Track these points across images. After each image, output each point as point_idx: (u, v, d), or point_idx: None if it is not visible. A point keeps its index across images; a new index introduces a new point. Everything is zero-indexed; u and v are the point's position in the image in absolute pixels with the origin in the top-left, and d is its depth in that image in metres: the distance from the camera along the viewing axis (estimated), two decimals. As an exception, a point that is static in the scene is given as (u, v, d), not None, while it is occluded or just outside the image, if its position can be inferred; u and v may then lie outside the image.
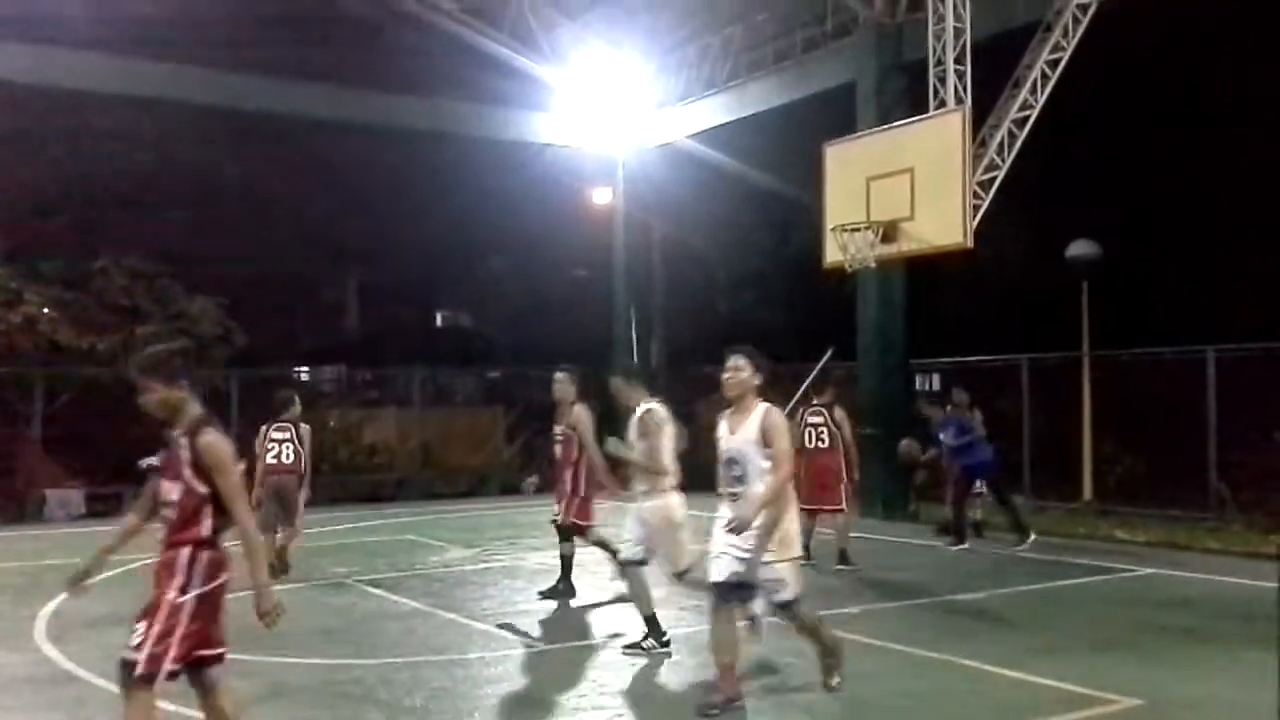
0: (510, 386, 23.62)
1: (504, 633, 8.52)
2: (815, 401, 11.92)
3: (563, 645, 8.10)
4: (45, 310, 18.79)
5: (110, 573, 10.55)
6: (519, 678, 7.15)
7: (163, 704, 6.44)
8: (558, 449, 9.67)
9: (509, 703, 6.54)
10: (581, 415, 9.44)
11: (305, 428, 10.95)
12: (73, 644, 8.09)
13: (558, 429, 9.68)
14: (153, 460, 16.36)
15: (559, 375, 9.69)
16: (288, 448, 10.71)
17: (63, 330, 18.62)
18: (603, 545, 9.51)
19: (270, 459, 10.68)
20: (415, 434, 21.02)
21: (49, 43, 17.34)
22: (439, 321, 33.86)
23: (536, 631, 8.59)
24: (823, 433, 11.48)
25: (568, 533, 9.64)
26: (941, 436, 13.39)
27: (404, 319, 30.42)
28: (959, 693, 6.70)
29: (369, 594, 10.34)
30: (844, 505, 11.53)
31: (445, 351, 27.33)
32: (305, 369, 25.71)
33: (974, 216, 12.93)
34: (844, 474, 11.50)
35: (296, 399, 11.23)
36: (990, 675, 7.04)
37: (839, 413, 11.71)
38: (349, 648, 8.06)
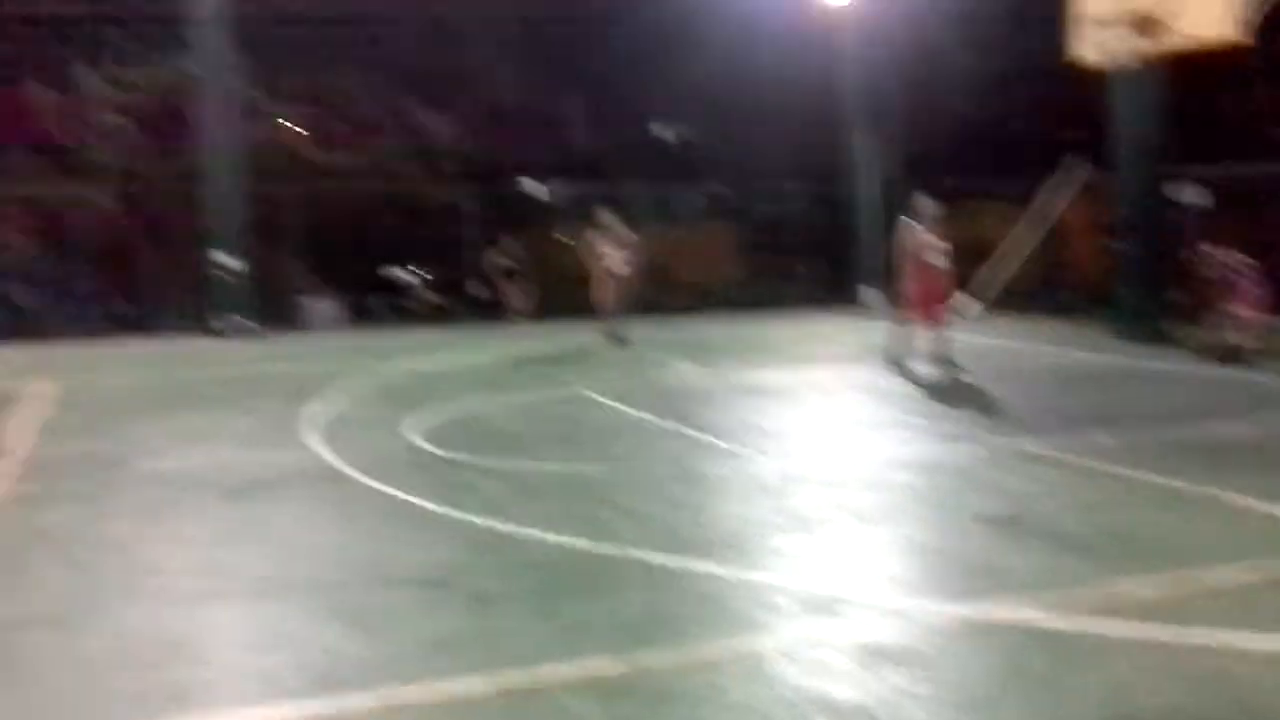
0: (737, 202, 23.32)
1: (736, 446, 8.60)
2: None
3: (797, 460, 8.11)
4: (293, 128, 19.68)
5: (370, 378, 11.08)
6: (753, 490, 7.22)
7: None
8: None
9: (743, 514, 6.62)
10: None
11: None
12: (340, 443, 8.69)
13: None
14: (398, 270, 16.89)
15: None
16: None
17: (309, 147, 19.49)
18: None
19: None
20: (644, 250, 21.10)
21: None
22: (658, 135, 33.47)
23: (770, 446, 8.63)
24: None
25: None
26: None
27: (625, 133, 30.21)
28: (1216, 527, 6.34)
29: (602, 404, 10.63)
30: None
31: (667, 167, 27.10)
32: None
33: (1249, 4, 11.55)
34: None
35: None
36: (1251, 510, 6.63)
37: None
38: (585, 452, 8.34)
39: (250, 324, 17.15)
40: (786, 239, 21.99)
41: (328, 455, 8.35)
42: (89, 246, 18.72)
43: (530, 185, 23.54)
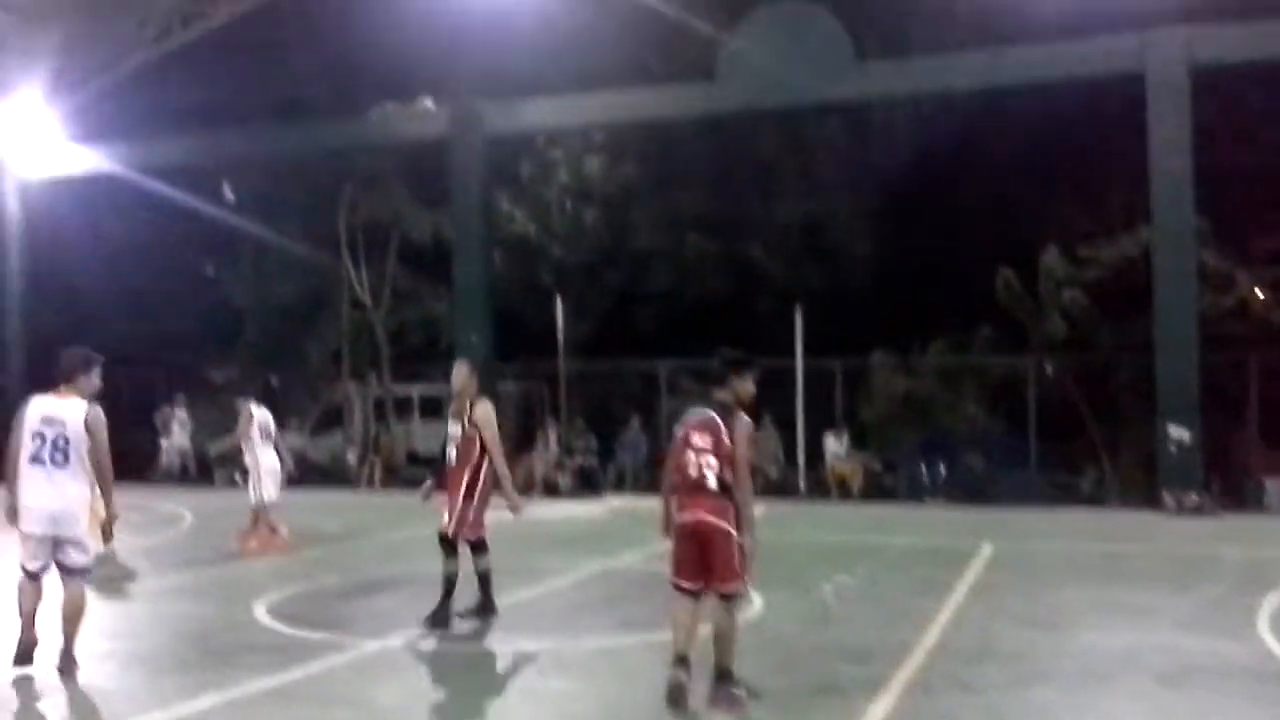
0: None
1: None
2: None
3: None
4: (1258, 292, 18.40)
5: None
6: None
7: None
8: (452, 450, 8.30)
9: None
10: (487, 412, 8.23)
11: None
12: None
13: (454, 428, 8.33)
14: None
15: (459, 363, 8.58)
16: None
17: (1276, 312, 18.02)
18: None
19: None
20: None
21: None
22: None
23: None
24: None
25: (452, 547, 8.15)
26: None
27: None
28: None
29: None
30: None
31: None
32: None
33: None
34: None
35: None
36: None
37: None
38: None
39: (1202, 501, 16.12)
40: None
41: (1282, 651, 7.36)
42: (1039, 417, 19.40)
43: None
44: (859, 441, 19.78)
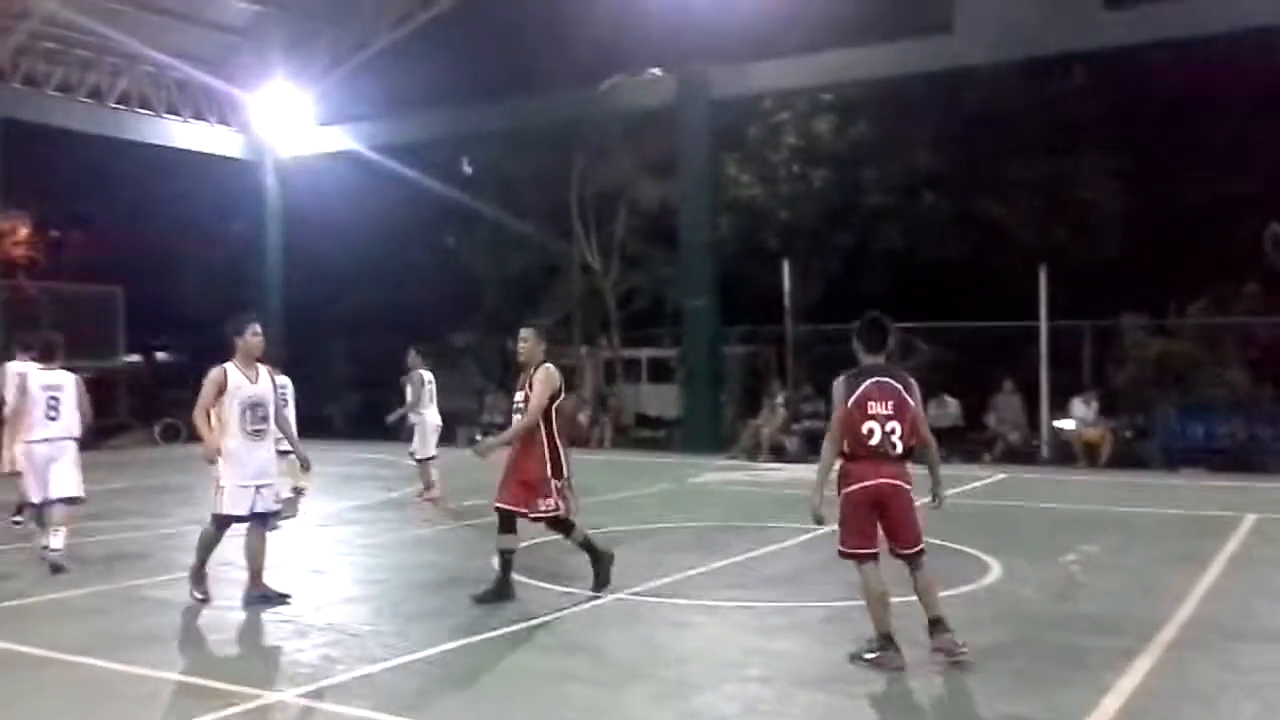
0: None
1: None
2: None
3: None
4: None
5: None
6: None
7: None
8: (516, 419, 7.73)
9: None
10: (546, 375, 7.65)
11: None
12: None
13: (519, 395, 7.79)
14: None
15: (524, 331, 7.96)
16: None
17: None
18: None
19: None
20: None
21: None
22: None
23: None
24: None
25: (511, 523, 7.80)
26: None
27: None
28: None
29: None
30: None
31: None
32: None
33: None
34: None
35: None
36: None
37: None
38: None
39: None
40: None
41: None
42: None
43: None
44: (1108, 407, 18.67)
